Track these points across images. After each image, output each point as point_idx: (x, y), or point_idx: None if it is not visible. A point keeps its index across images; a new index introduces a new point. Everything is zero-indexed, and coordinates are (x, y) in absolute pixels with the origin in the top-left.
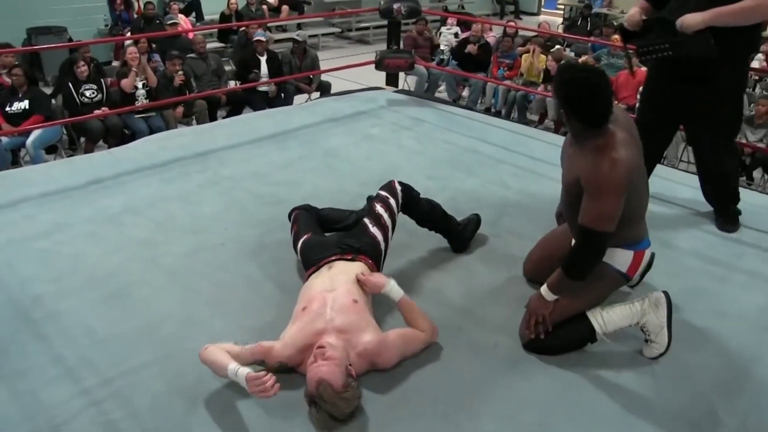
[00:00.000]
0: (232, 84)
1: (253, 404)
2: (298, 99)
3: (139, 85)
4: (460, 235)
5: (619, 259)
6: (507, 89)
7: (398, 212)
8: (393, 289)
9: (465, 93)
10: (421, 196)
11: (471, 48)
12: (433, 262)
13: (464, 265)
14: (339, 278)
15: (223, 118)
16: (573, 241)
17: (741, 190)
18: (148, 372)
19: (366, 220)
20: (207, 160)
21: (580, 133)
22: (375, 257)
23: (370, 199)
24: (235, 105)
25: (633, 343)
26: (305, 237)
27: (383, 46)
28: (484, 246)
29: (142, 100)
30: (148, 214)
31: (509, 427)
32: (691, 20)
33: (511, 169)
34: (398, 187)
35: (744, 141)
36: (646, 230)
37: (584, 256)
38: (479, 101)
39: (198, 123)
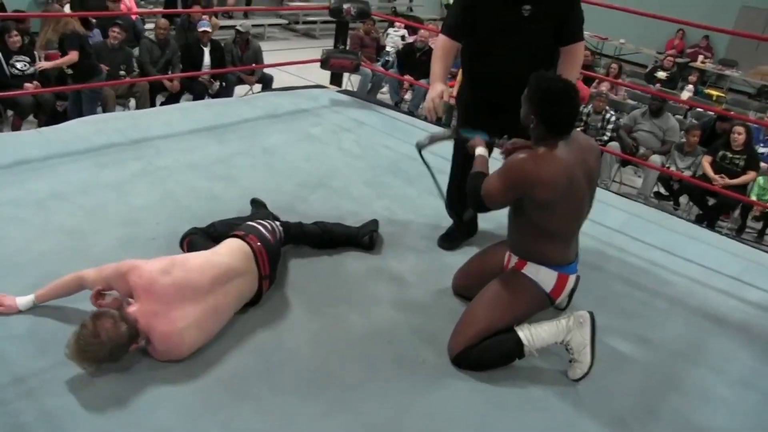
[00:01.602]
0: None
1: (175, 405)
2: (239, 90)
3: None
4: (358, 235)
5: (544, 277)
6: None
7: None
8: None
9: (408, 96)
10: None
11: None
12: (361, 274)
13: (394, 278)
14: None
15: (162, 103)
16: (507, 254)
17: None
18: (64, 371)
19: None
20: (143, 147)
21: (539, 140)
22: (259, 236)
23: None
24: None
25: (558, 363)
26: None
27: (330, 41)
28: (416, 258)
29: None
30: (78, 201)
31: None
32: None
33: None
34: (277, 225)
35: (672, 168)
36: (576, 255)
37: (468, 191)
38: (421, 106)
39: (138, 105)
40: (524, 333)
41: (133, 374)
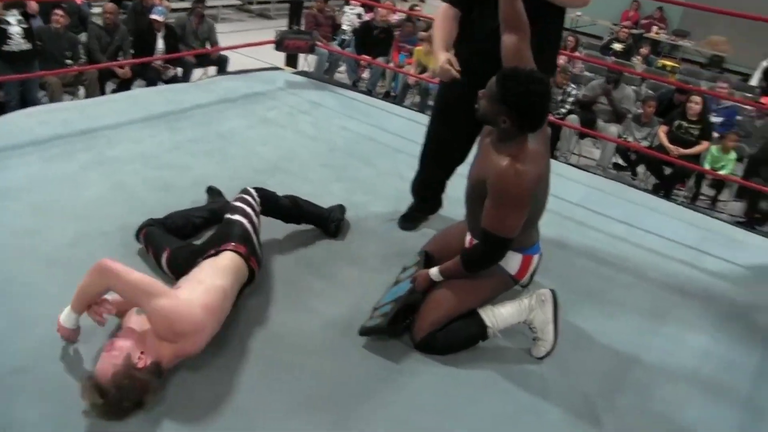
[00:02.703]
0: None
1: (149, 416)
2: (198, 73)
3: (11, 19)
4: (328, 219)
5: (508, 260)
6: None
7: (259, 211)
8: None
9: (365, 75)
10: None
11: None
12: (324, 260)
13: (357, 261)
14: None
15: (113, 91)
16: (468, 235)
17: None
18: (17, 380)
19: (227, 215)
20: (93, 138)
21: (508, 138)
22: (243, 240)
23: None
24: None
25: (523, 341)
26: (166, 255)
27: (285, 22)
28: (378, 241)
29: (17, 40)
30: (24, 198)
31: None
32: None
33: (408, 159)
34: (252, 191)
35: (630, 139)
36: (538, 234)
37: (485, 256)
38: (379, 84)
39: (87, 94)
40: (487, 315)
41: None
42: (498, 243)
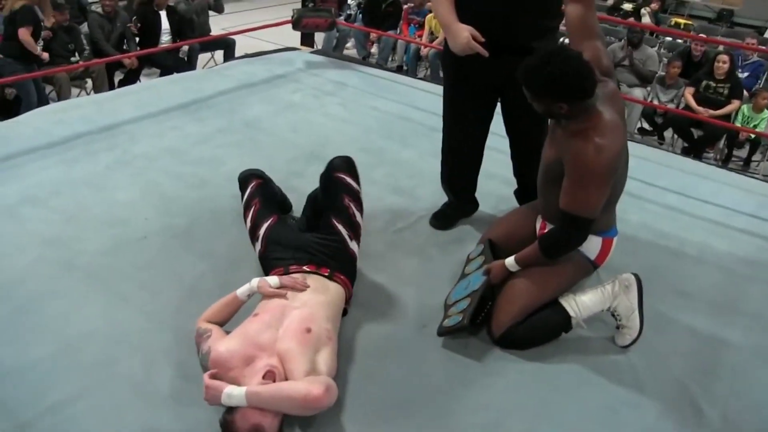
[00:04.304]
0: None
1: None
2: (202, 59)
3: None
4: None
5: (588, 244)
6: (418, 47)
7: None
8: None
9: (374, 50)
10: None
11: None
12: (380, 252)
13: (414, 251)
14: (312, 297)
15: (120, 81)
16: (539, 220)
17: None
18: (73, 409)
19: (338, 227)
20: (114, 135)
21: (578, 114)
22: (351, 275)
23: (334, 185)
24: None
25: (602, 329)
26: (270, 222)
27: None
28: (432, 228)
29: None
30: (52, 205)
31: None
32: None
33: None
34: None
35: (655, 101)
36: (615, 217)
37: (566, 240)
38: (390, 59)
39: (95, 87)
40: (570, 304)
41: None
42: (579, 224)
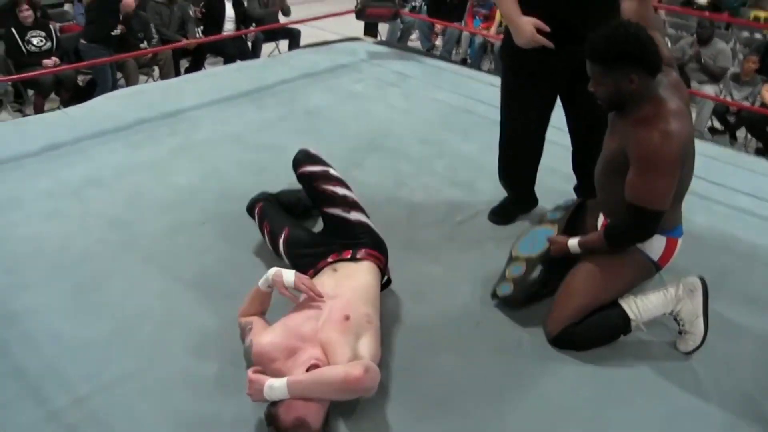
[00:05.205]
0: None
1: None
2: (266, 48)
3: None
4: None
5: (651, 244)
6: (483, 40)
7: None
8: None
9: (438, 42)
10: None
11: None
12: (436, 244)
13: (471, 245)
14: (344, 284)
15: (186, 68)
16: (601, 217)
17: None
18: (126, 387)
19: (333, 211)
20: (177, 121)
21: (641, 98)
22: (372, 243)
23: (305, 182)
24: (200, 53)
25: (663, 333)
26: (283, 236)
27: None
28: (491, 223)
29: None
30: (115, 187)
31: None
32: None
33: None
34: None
35: (729, 99)
36: (681, 215)
37: (632, 232)
38: (454, 52)
39: (161, 75)
40: (630, 306)
41: None
42: (648, 216)
